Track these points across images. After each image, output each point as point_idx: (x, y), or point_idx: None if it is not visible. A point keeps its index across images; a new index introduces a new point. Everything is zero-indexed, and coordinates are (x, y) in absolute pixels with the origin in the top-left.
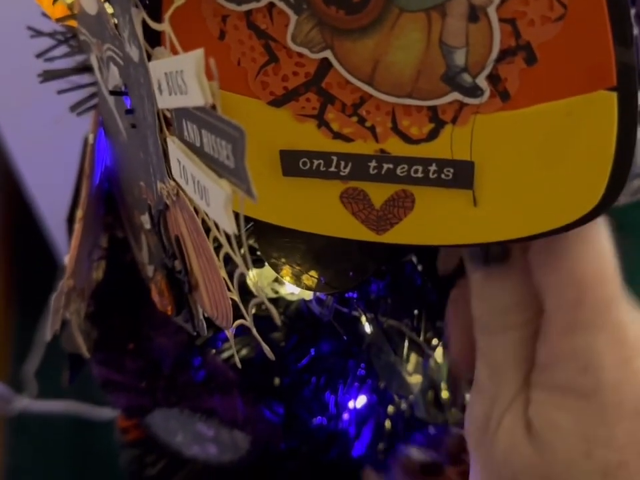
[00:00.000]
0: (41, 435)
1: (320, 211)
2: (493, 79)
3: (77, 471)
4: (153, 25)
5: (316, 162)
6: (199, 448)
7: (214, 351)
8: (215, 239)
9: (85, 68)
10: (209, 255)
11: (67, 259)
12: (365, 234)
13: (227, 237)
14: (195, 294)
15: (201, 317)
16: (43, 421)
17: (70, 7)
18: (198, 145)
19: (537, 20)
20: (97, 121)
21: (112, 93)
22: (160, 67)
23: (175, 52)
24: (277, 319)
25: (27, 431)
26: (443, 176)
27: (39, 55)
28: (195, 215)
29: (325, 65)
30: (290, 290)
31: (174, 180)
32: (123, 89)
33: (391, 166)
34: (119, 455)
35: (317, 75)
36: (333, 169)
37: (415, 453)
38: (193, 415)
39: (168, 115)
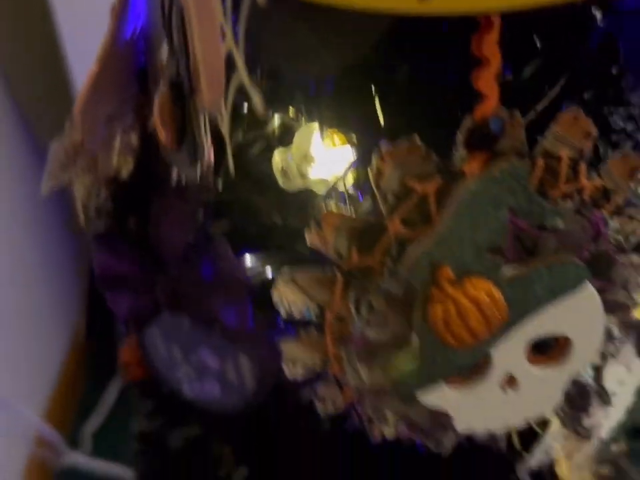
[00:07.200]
0: None
1: None
2: None
3: None
4: None
5: None
6: (201, 386)
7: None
8: None
9: None
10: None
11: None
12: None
13: None
14: (197, 100)
15: (205, 143)
16: None
17: None
18: None
19: None
20: None
21: None
22: None
23: None
24: None
25: None
26: None
27: None
28: None
29: None
30: (316, 176)
31: None
32: None
33: None
34: None
35: None
36: None
37: None
38: (195, 326)
39: None
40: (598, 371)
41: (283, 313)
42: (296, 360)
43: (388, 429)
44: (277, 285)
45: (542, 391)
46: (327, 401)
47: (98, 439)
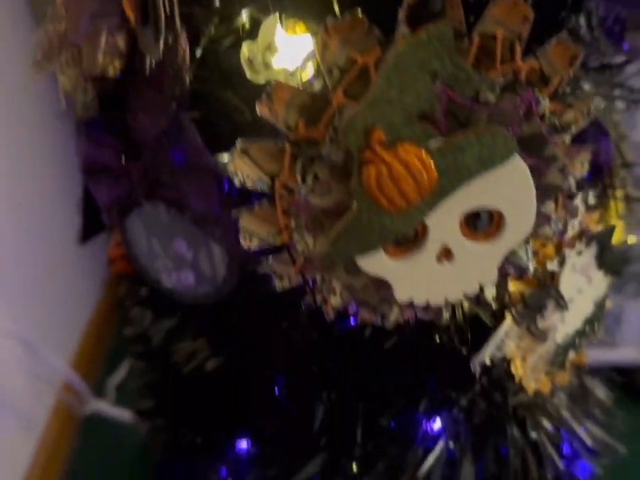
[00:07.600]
0: (108, 442)
1: None
2: None
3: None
4: None
5: None
6: (177, 276)
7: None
8: None
9: None
10: None
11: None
12: None
13: None
14: None
15: (163, 15)
16: (112, 429)
17: None
18: None
19: None
20: None
21: None
22: None
23: None
24: None
25: (96, 435)
26: None
27: None
28: None
29: None
30: (279, 63)
31: None
32: None
33: None
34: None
35: None
36: None
37: None
38: (170, 215)
39: None
40: (554, 275)
41: (237, 184)
42: (252, 232)
43: (336, 299)
44: (232, 158)
45: (477, 265)
46: (283, 277)
47: (121, 392)
